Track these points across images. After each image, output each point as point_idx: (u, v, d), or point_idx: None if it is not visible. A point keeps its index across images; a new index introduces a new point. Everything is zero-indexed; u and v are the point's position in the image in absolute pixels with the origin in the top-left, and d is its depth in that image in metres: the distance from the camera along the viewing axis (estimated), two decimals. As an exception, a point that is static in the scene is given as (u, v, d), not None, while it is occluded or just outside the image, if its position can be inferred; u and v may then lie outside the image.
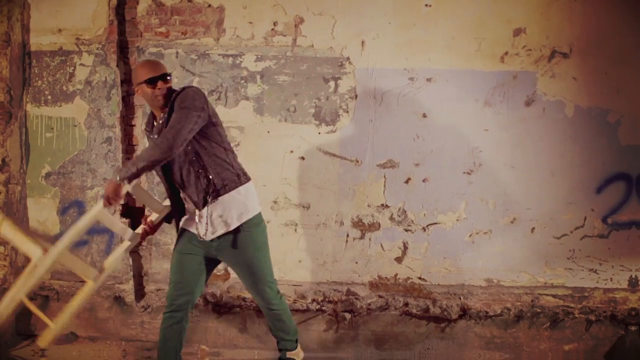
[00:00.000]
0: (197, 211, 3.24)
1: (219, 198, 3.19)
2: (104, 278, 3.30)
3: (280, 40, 4.23)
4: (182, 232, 3.37)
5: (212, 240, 3.26)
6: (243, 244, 3.26)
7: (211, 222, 3.22)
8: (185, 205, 3.34)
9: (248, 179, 3.30)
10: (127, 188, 3.06)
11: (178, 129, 3.01)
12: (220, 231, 3.24)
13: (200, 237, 3.26)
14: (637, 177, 4.12)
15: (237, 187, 3.23)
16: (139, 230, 3.37)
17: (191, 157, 3.16)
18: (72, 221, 4.35)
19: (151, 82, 3.16)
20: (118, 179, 3.00)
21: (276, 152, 4.27)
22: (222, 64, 4.27)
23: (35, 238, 3.13)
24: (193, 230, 3.30)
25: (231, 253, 3.29)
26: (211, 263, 3.40)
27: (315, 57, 4.21)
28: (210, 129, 3.18)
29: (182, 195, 3.31)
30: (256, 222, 3.30)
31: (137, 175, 3.03)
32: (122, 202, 3.13)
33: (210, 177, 3.18)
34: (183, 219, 3.38)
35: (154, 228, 3.39)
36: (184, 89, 3.17)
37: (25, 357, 4.07)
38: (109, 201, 3.04)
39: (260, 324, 4.28)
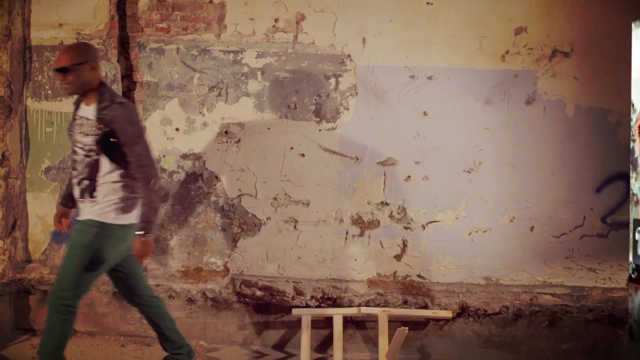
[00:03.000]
0: None
1: None
2: None
3: (281, 37, 4.23)
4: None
5: None
6: None
7: None
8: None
9: None
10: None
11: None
12: None
13: None
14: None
15: None
16: None
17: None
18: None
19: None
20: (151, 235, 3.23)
21: (276, 148, 4.27)
22: (223, 60, 4.26)
23: None
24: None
25: None
26: None
27: (316, 54, 4.21)
28: None
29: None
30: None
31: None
32: None
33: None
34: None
35: None
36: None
37: (24, 351, 4.07)
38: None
39: (258, 321, 4.28)
